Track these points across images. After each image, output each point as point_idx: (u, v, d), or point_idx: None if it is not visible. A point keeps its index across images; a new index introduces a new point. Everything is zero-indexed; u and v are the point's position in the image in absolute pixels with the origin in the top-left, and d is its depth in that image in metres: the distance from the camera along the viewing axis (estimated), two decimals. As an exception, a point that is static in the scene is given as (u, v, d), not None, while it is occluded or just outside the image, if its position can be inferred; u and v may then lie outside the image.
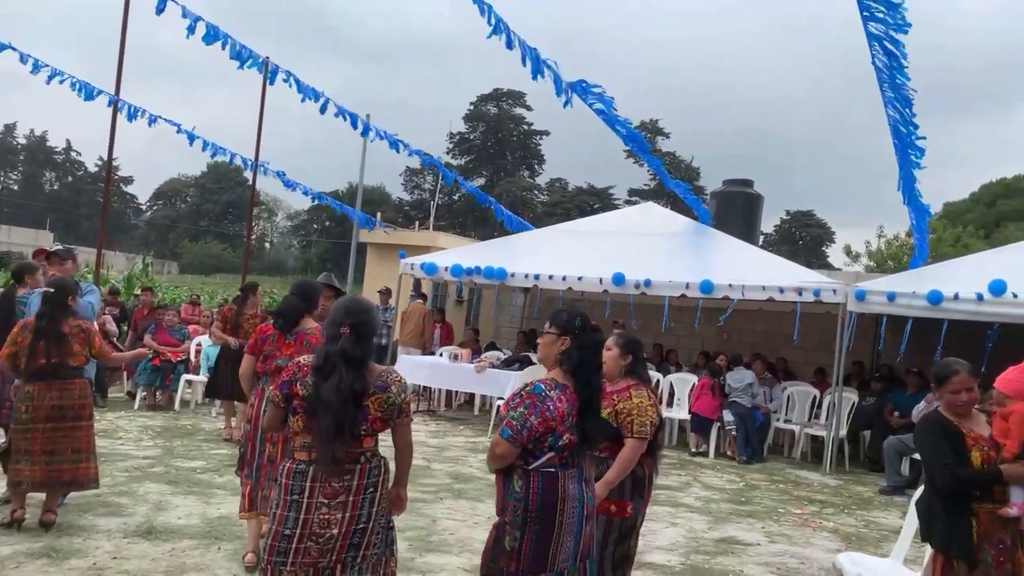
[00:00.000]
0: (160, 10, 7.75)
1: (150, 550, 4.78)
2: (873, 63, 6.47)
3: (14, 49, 8.50)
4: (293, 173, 13.09)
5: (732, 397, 9.88)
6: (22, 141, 71.33)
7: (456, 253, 12.30)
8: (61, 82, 9.18)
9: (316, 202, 13.12)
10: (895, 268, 19.33)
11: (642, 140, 10.11)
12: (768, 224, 62.41)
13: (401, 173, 62.24)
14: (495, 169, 63.38)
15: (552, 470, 3.06)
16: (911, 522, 4.04)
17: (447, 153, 62.91)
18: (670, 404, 10.55)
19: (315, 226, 64.15)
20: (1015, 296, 8.22)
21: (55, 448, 4.90)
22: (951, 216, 34.47)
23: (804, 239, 61.06)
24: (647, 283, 10.34)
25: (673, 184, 11.82)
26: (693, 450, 9.84)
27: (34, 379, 4.89)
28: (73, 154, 71.59)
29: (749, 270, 10.27)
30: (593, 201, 55.99)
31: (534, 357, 11.42)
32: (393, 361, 11.43)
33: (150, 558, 4.65)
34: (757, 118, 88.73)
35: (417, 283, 13.52)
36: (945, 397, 3.57)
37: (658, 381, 10.83)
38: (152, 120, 9.85)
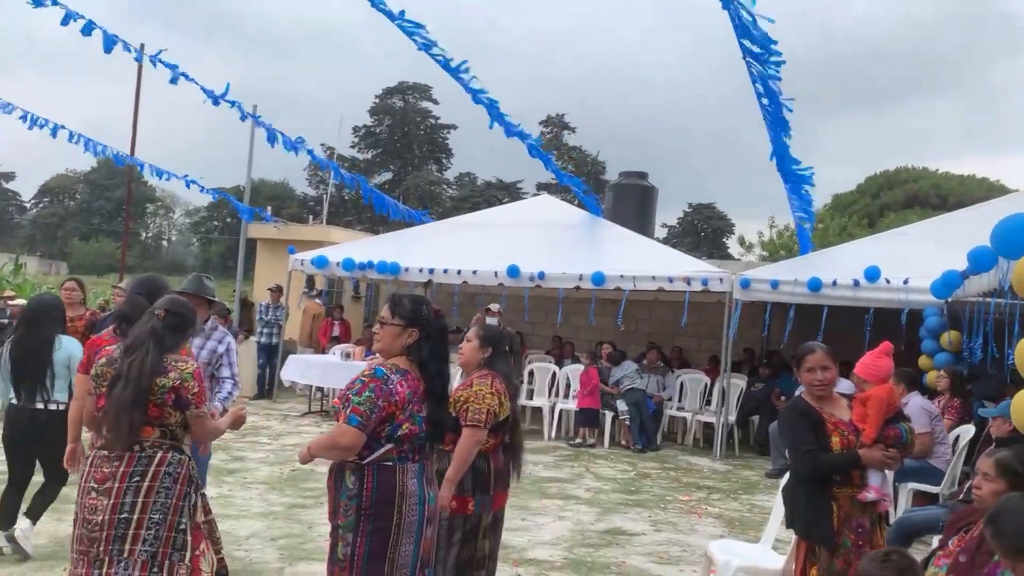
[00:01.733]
0: (39, 3, 7.15)
1: (-16, 576, 4.36)
2: (745, 61, 6.55)
3: None
4: (193, 167, 12.45)
5: (624, 385, 9.97)
6: None
7: (348, 247, 11.95)
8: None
9: (203, 192, 12.45)
10: (787, 257, 20.06)
11: (523, 135, 10.00)
12: (672, 217, 64.04)
13: (305, 168, 60.73)
14: (402, 163, 62.63)
15: (389, 463, 2.86)
16: (779, 507, 4.06)
17: (352, 147, 61.81)
18: (567, 396, 10.55)
19: (215, 223, 61.94)
20: (888, 282, 8.54)
21: None
22: (839, 207, 36.07)
23: (706, 231, 62.87)
24: (541, 275, 10.30)
25: (566, 178, 11.81)
26: (578, 442, 9.81)
27: None
28: (-55, 148, 66.71)
29: (641, 261, 10.36)
30: (502, 195, 56.01)
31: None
32: (283, 360, 11.01)
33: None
34: (661, 110, 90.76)
35: (311, 280, 13.09)
36: (803, 377, 3.58)
37: (554, 373, 10.83)
38: (7, 110, 9.11)
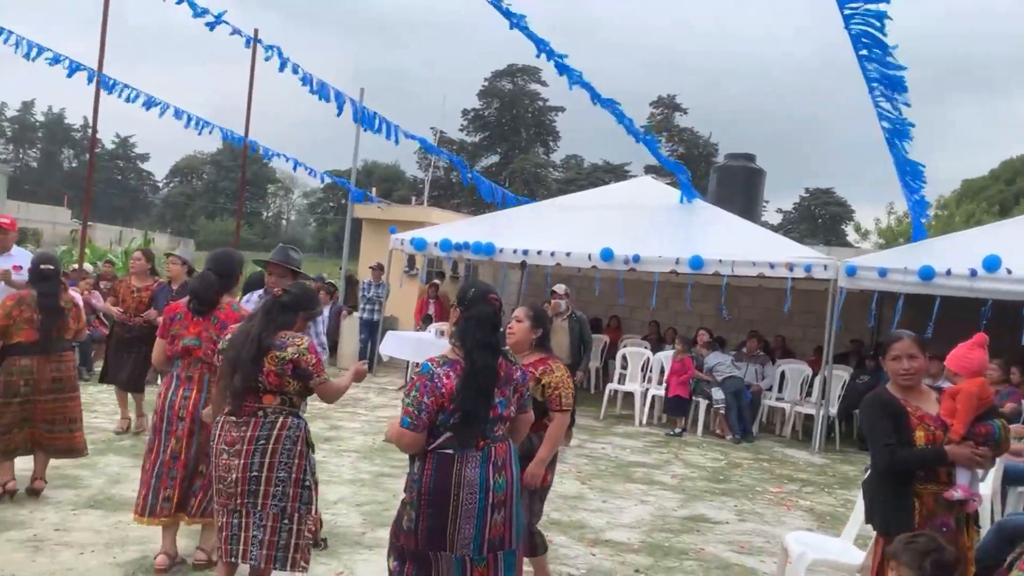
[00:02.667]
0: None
1: (96, 522, 4.75)
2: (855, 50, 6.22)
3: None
4: (309, 150, 12.98)
5: (718, 374, 9.75)
6: (40, 119, 71.81)
7: (447, 228, 12.16)
8: (43, 59, 9.03)
9: (311, 175, 12.94)
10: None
11: (620, 114, 9.83)
12: (787, 201, 61.72)
13: (415, 151, 62.06)
14: (510, 146, 62.99)
15: (449, 452, 2.94)
16: (862, 502, 3.89)
17: (461, 130, 62.62)
18: (660, 382, 10.41)
19: (330, 204, 64.19)
20: (1009, 272, 7.97)
21: (54, 418, 5.07)
22: (969, 193, 33.71)
23: (823, 217, 60.31)
24: (636, 259, 10.16)
25: (662, 158, 11.56)
26: (676, 432, 9.62)
27: (32, 353, 4.96)
28: (90, 131, 72.09)
29: (742, 246, 10.06)
30: (609, 178, 55.42)
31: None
32: (382, 337, 11.35)
33: (94, 530, 4.62)
34: (779, 92, 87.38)
35: (411, 259, 13.42)
36: (888, 366, 3.41)
37: (648, 358, 10.70)
38: (135, 97, 9.74)
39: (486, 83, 62.64)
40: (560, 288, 8.63)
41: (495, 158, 63.79)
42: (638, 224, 11.30)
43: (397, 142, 11.41)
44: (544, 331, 3.82)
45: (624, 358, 10.78)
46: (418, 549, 2.95)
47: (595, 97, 9.16)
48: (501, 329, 3.19)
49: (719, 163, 20.72)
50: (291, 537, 3.44)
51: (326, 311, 10.42)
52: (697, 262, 9.76)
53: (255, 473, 3.39)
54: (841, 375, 9.81)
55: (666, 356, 10.47)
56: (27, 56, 8.87)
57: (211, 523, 3.86)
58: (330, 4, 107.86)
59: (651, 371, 10.58)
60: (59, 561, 4.13)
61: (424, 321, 12.24)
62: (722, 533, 5.72)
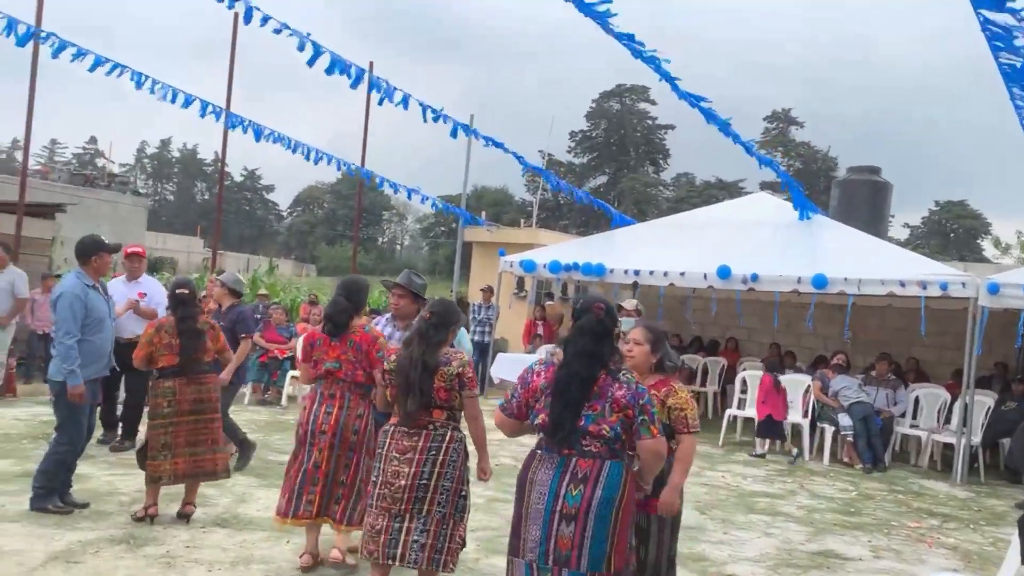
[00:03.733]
0: (247, 19, 8.05)
1: (223, 540, 4.90)
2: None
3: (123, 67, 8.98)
4: (421, 175, 13.28)
5: (844, 399, 9.21)
6: (176, 155, 77.06)
7: (556, 250, 12.13)
8: (178, 101, 9.63)
9: (423, 202, 13.19)
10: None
11: (727, 127, 9.50)
12: (915, 216, 58.48)
13: (523, 174, 62.66)
14: (618, 166, 62.64)
15: (537, 451, 3.08)
16: (1018, 541, 3.52)
17: (568, 152, 62.78)
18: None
19: (442, 228, 65.63)
20: None
21: (197, 440, 5.18)
22: None
23: (956, 231, 56.71)
24: (754, 278, 9.79)
25: (781, 173, 11.11)
26: (757, 452, 9.34)
27: (173, 375, 5.15)
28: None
29: (869, 263, 9.52)
30: (722, 195, 54.06)
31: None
32: (493, 359, 11.40)
33: (221, 548, 4.77)
34: (903, 101, 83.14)
35: (520, 281, 13.45)
36: None
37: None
38: (258, 134, 10.22)
39: (594, 104, 62.67)
40: (629, 304, 8.33)
41: (603, 179, 63.56)
42: (756, 242, 10.92)
43: (519, 157, 11.44)
44: (664, 353, 3.70)
45: (744, 381, 10.36)
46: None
47: (708, 116, 8.92)
48: (614, 342, 3.15)
49: (839, 177, 19.78)
50: (446, 541, 3.73)
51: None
52: (820, 281, 9.31)
53: (424, 481, 3.67)
54: (984, 401, 9.07)
55: (789, 380, 10.00)
56: (164, 98, 9.48)
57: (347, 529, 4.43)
58: (442, 35, 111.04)
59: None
60: (189, 578, 4.29)
61: (534, 340, 12.22)
62: (856, 571, 5.34)
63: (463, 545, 3.86)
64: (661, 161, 64.74)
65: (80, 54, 8.67)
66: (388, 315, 5.20)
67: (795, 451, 9.23)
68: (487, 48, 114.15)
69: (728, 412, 10.15)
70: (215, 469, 5.30)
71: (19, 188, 9.62)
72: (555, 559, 2.92)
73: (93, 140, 73.62)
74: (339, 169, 11.78)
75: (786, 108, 61.00)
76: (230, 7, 8.26)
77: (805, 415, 9.61)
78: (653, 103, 60.55)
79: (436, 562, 3.71)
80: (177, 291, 5.34)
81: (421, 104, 9.95)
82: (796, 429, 9.94)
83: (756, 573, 5.11)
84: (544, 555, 2.93)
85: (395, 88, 9.87)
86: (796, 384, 9.90)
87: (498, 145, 11.13)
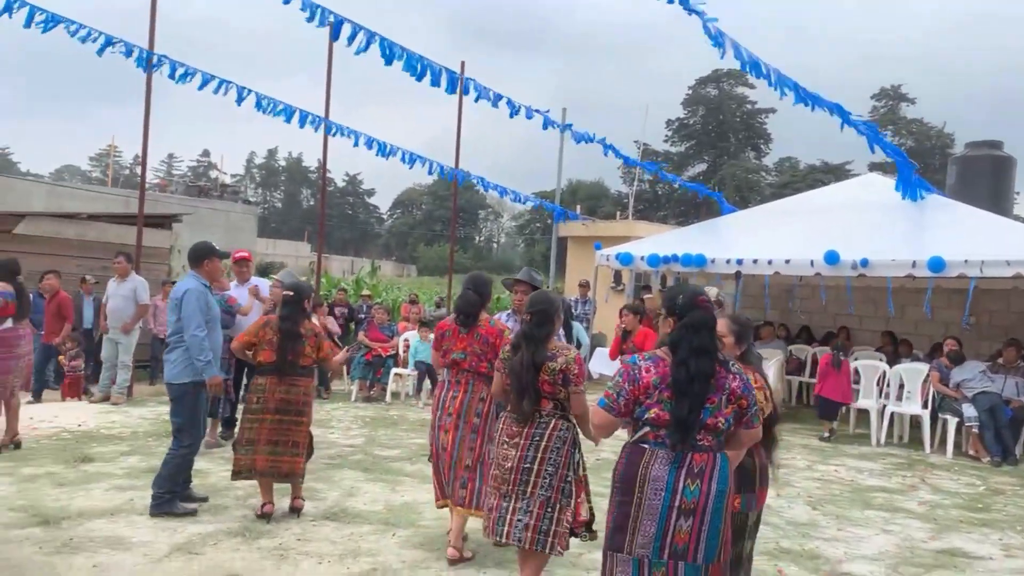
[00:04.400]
0: (335, 35, 8.29)
1: (332, 533, 5.05)
2: None
3: (222, 80, 9.40)
4: (515, 172, 13.32)
5: (968, 389, 8.65)
6: (282, 164, 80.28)
7: (653, 241, 11.91)
8: (275, 112, 10.00)
9: (514, 201, 13.23)
10: None
11: (842, 110, 9.08)
12: (1045, 192, 54.39)
13: (618, 167, 62.02)
14: (718, 153, 61.14)
15: (645, 446, 2.98)
16: None
17: (665, 141, 61.74)
18: (899, 397, 9.45)
19: (537, 224, 65.81)
20: None
21: (278, 439, 5.25)
22: None
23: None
24: (864, 263, 9.32)
25: (891, 150, 10.49)
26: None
27: (268, 373, 5.28)
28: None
29: (991, 243, 8.90)
30: (828, 179, 52.00)
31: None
32: (591, 354, 11.31)
33: (330, 541, 4.91)
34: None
35: (618, 275, 13.29)
36: None
37: (884, 372, 9.74)
38: (357, 139, 10.50)
39: (690, 91, 61.36)
40: (711, 292, 8.00)
41: (702, 166, 62.16)
42: (866, 225, 10.41)
43: (613, 149, 11.35)
44: (748, 345, 3.59)
45: (856, 372, 9.89)
46: (605, 544, 3.03)
47: (812, 100, 8.56)
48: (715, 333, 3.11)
49: (956, 154, 18.59)
50: (552, 524, 3.86)
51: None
52: (938, 264, 8.77)
53: (528, 465, 3.88)
54: None
55: (904, 369, 9.49)
56: (264, 111, 9.85)
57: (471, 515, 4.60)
58: (534, 30, 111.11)
59: (888, 386, 9.62)
60: (301, 570, 4.43)
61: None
62: (986, 571, 5.00)
63: (587, 530, 4.01)
64: (763, 146, 62.80)
65: (189, 73, 9.14)
66: (510, 311, 5.45)
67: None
68: (576, 41, 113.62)
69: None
70: (292, 471, 5.29)
71: (138, 201, 10.22)
72: (671, 553, 2.90)
73: (206, 153, 77.70)
74: (430, 173, 11.95)
75: (895, 85, 58.00)
76: (320, 25, 8.53)
77: (925, 406, 9.11)
78: (752, 87, 58.75)
79: (540, 543, 3.85)
80: (284, 292, 5.53)
81: (510, 103, 9.98)
82: (915, 421, 9.43)
83: (874, 572, 4.86)
84: (659, 550, 2.90)
85: (485, 88, 9.93)
86: (913, 374, 9.38)
87: (590, 140, 11.03)
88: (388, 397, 10.54)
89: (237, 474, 5.31)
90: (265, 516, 5.22)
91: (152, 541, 4.72)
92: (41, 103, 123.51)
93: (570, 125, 12.39)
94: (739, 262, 10.37)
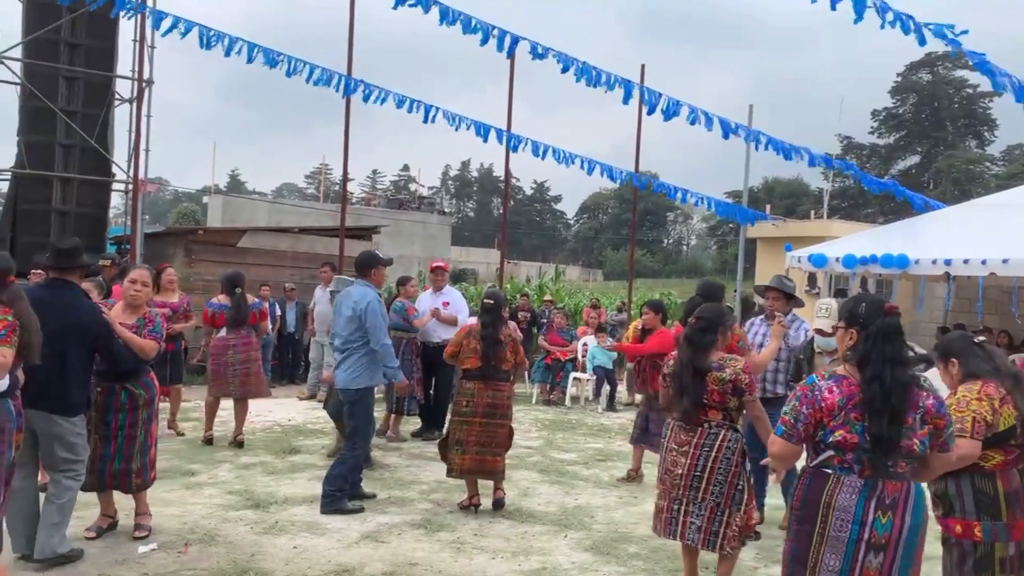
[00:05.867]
0: (509, 53, 8.63)
1: (506, 531, 5.24)
2: None
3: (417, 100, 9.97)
4: (705, 172, 12.90)
5: None
6: (475, 174, 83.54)
7: (850, 241, 11.15)
8: (459, 127, 10.49)
9: (696, 205, 12.90)
10: None
11: None
12: None
13: (811, 165, 58.46)
14: (932, 143, 56.04)
15: (828, 471, 2.76)
16: None
17: (871, 133, 57.51)
18: None
19: (729, 225, 63.63)
20: None
21: (485, 440, 5.52)
22: None
23: None
24: (1100, 261, 8.20)
25: None
26: None
27: (475, 378, 5.58)
28: (513, 180, 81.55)
29: None
30: (1065, 167, 46.14)
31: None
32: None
33: (504, 537, 5.10)
34: None
35: (812, 277, 12.59)
36: None
37: None
38: (535, 149, 10.76)
39: (899, 78, 56.74)
40: (822, 320, 6.85)
41: (915, 159, 57.26)
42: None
43: (788, 157, 10.86)
44: (962, 359, 3.40)
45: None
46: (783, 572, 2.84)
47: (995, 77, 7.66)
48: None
49: None
50: (722, 527, 3.97)
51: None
52: None
53: (698, 473, 3.96)
54: None
55: None
56: (454, 126, 10.36)
57: None
58: (724, 25, 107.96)
59: None
60: (475, 563, 4.64)
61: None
62: None
63: (753, 532, 4.17)
64: (986, 134, 56.78)
65: (381, 97, 9.80)
66: (762, 317, 5.82)
67: None
68: (770, 35, 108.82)
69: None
70: (494, 469, 5.55)
71: (340, 215, 11.11)
72: None
73: (406, 168, 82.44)
74: (612, 179, 11.94)
75: None
76: (508, 54, 8.91)
77: None
78: (972, 69, 53.05)
79: (712, 544, 3.98)
80: (484, 300, 5.81)
81: (691, 108, 9.78)
82: None
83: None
84: None
85: (659, 95, 9.81)
86: None
87: (774, 143, 10.55)
88: (568, 401, 10.69)
89: (450, 471, 5.62)
90: (473, 507, 5.54)
91: (344, 528, 5.14)
92: (265, 125, 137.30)
93: (748, 130, 11.77)
94: (947, 262, 9.47)
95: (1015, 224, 9.72)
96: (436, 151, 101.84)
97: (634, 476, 6.62)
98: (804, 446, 2.88)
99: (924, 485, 2.90)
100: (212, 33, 8.49)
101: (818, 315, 5.30)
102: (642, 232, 69.60)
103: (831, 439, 2.73)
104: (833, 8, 6.71)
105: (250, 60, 8.80)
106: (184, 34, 8.43)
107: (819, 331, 6.79)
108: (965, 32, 7.19)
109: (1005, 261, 9.01)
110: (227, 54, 8.83)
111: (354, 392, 5.61)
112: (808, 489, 2.80)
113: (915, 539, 2.71)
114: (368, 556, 4.66)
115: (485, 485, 5.67)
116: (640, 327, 6.75)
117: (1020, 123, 62.66)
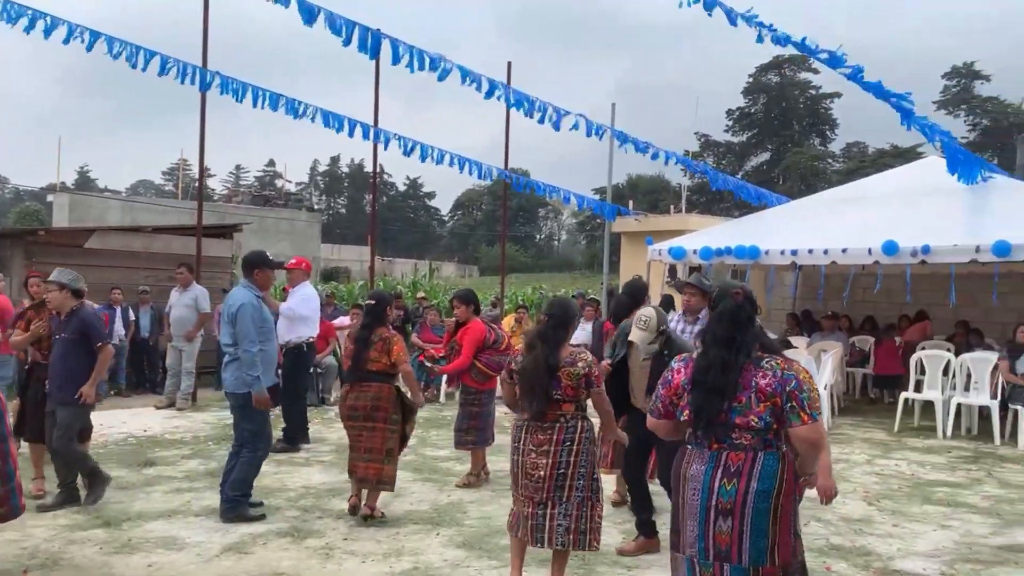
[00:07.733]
0: (373, 55, 8.55)
1: (377, 533, 5.15)
2: None
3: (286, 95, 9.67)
4: (573, 168, 13.16)
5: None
6: (345, 170, 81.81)
7: (707, 234, 11.74)
8: (326, 123, 10.25)
9: (566, 203, 13.21)
10: None
11: (878, 87, 8.78)
12: None
13: (667, 163, 61.03)
14: (781, 141, 59.65)
15: (689, 447, 2.99)
16: None
17: (726, 131, 60.61)
18: (966, 388, 9.08)
19: (597, 221, 65.35)
20: None
21: (363, 446, 5.36)
22: None
23: None
24: (925, 250, 9.01)
25: (935, 134, 10.03)
26: None
27: (345, 380, 5.62)
28: (385, 176, 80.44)
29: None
30: (898, 163, 49.95)
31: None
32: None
33: (375, 540, 5.01)
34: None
35: (672, 269, 13.12)
36: None
37: (948, 361, 9.38)
38: (403, 146, 10.67)
39: (750, 79, 60.05)
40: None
41: (766, 155, 60.78)
42: (927, 211, 10.08)
43: (655, 157, 11.29)
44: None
45: (920, 363, 9.55)
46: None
47: (865, 86, 8.32)
48: (752, 327, 2.96)
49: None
50: (588, 522, 4.00)
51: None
52: (1003, 248, 8.43)
53: (562, 471, 3.95)
54: None
55: (971, 359, 9.12)
56: (321, 122, 10.10)
57: None
58: (586, 24, 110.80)
59: (955, 376, 9.26)
60: (345, 568, 4.54)
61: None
62: (1051, 568, 4.78)
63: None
64: (828, 132, 61.02)
65: (238, 90, 9.40)
66: (681, 312, 5.79)
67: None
68: (636, 36, 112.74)
69: (903, 395, 9.39)
70: (380, 478, 5.35)
71: (197, 213, 10.59)
72: (715, 554, 2.85)
73: (271, 163, 79.67)
74: (480, 177, 12.02)
75: (968, 62, 55.54)
76: (372, 55, 8.79)
77: (993, 396, 8.75)
78: (815, 72, 57.00)
79: (582, 543, 3.99)
80: (366, 300, 5.79)
81: (556, 110, 9.98)
82: (984, 412, 9.06)
83: (928, 568, 4.70)
84: (704, 551, 2.87)
85: (527, 97, 9.97)
86: (981, 363, 9.01)
87: (635, 144, 10.94)
88: (443, 398, 10.66)
89: (351, 473, 5.46)
90: (352, 510, 5.38)
91: (205, 541, 4.90)
92: (119, 119, 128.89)
93: (601, 129, 12.13)
94: (794, 252, 10.14)
95: (854, 216, 10.53)
96: (305, 147, 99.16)
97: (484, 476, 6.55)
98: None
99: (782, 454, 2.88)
100: (45, 18, 7.86)
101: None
102: (515, 228, 70.38)
103: (683, 417, 2.97)
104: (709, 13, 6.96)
105: (89, 49, 8.22)
106: (13, 21, 7.76)
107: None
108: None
109: (844, 250, 9.74)
110: (66, 41, 8.23)
111: (241, 396, 5.39)
112: (676, 463, 3.03)
113: (766, 504, 2.79)
114: (230, 569, 4.47)
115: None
116: (455, 322, 6.63)
117: (858, 122, 67.83)
